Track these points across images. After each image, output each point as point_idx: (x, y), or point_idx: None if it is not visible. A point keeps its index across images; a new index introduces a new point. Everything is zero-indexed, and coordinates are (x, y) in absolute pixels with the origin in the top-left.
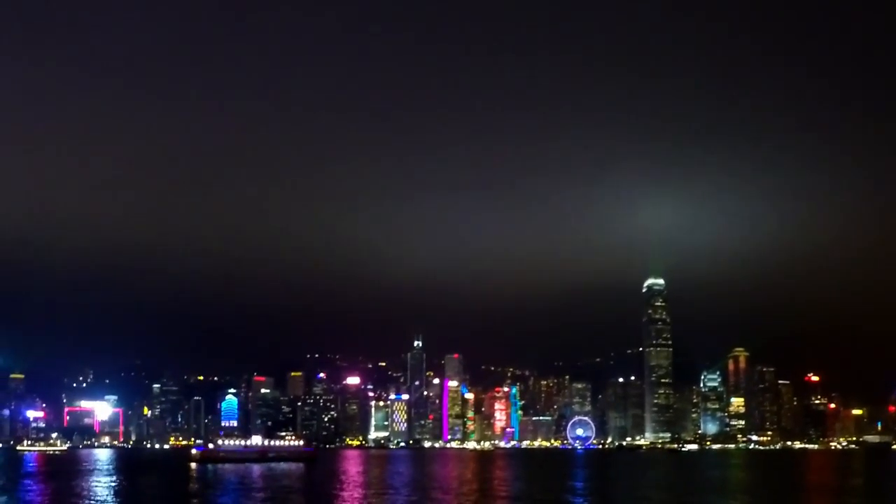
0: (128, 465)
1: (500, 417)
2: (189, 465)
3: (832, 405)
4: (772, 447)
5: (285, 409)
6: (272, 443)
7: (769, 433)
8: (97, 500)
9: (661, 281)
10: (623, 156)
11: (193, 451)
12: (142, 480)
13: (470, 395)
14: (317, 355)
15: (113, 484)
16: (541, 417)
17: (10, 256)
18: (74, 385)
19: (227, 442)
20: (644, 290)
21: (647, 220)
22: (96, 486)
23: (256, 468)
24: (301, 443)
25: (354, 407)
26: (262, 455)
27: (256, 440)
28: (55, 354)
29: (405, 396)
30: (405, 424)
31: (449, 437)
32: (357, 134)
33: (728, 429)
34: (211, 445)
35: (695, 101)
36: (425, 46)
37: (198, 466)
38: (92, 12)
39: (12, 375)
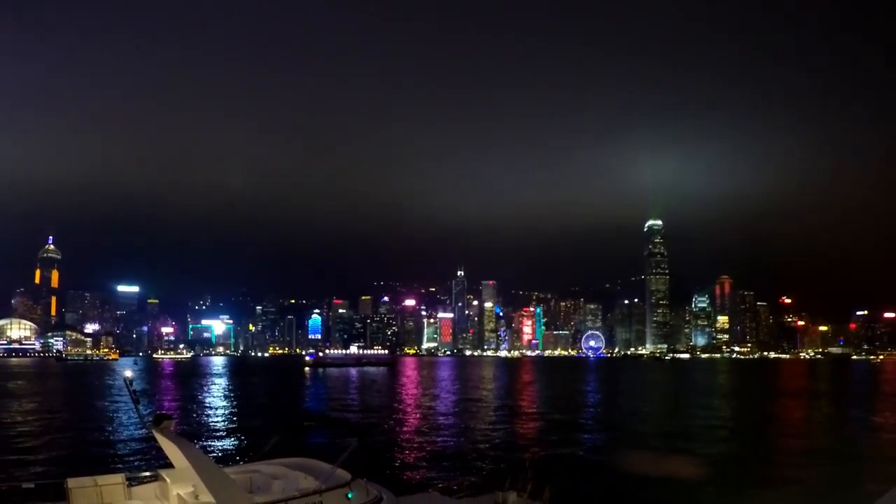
0: (244, 369)
1: (527, 332)
2: (304, 368)
3: (802, 323)
4: (751, 357)
5: (357, 325)
6: (365, 351)
7: (749, 345)
8: (257, 394)
9: (659, 222)
10: (628, 120)
11: (307, 357)
12: (269, 380)
13: (502, 314)
14: (382, 283)
15: (244, 384)
16: (560, 332)
17: (150, 211)
18: (196, 307)
19: (332, 351)
20: (645, 229)
21: (648, 171)
22: (247, 384)
23: (353, 371)
24: (385, 352)
25: (411, 323)
26: (357, 361)
27: (353, 350)
28: (182, 284)
29: (450, 315)
30: (450, 337)
31: (485, 346)
32: (412, 103)
33: (714, 341)
34: (321, 354)
35: (684, 72)
36: (465, 34)
37: (310, 370)
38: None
39: (149, 300)
